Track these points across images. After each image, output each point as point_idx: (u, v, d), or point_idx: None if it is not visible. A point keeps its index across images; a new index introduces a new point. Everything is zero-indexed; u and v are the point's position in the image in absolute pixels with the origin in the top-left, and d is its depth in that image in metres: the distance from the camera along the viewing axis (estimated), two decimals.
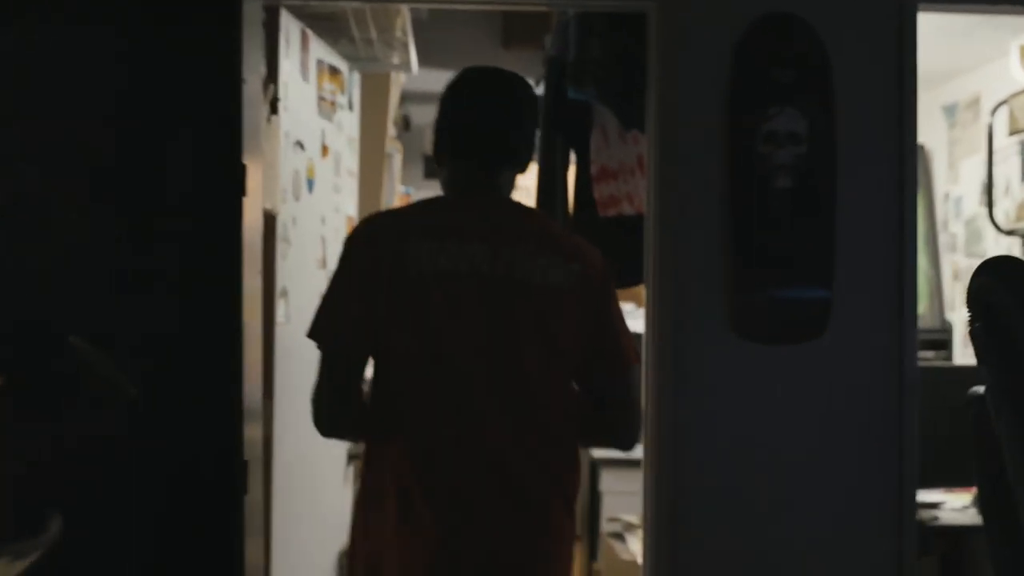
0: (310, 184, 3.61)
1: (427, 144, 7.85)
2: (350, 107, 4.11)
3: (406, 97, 7.53)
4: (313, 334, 2.07)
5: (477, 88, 2.20)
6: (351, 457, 3.93)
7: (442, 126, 2.17)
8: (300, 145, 3.51)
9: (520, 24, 5.79)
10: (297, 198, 3.48)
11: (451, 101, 2.20)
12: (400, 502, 2.02)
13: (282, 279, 3.32)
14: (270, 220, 3.18)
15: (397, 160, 4.77)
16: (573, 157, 3.31)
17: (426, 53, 6.72)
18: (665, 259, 2.62)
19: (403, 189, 6.20)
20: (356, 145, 4.20)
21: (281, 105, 3.31)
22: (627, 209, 3.14)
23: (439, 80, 2.34)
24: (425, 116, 7.78)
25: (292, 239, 3.43)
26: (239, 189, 2.48)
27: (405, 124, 7.48)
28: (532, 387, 2.07)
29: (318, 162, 3.70)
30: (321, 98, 3.71)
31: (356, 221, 4.16)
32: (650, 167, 2.68)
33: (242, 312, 2.48)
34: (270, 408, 3.13)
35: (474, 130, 2.16)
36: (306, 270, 3.55)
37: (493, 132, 2.16)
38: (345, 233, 3.80)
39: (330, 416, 2.08)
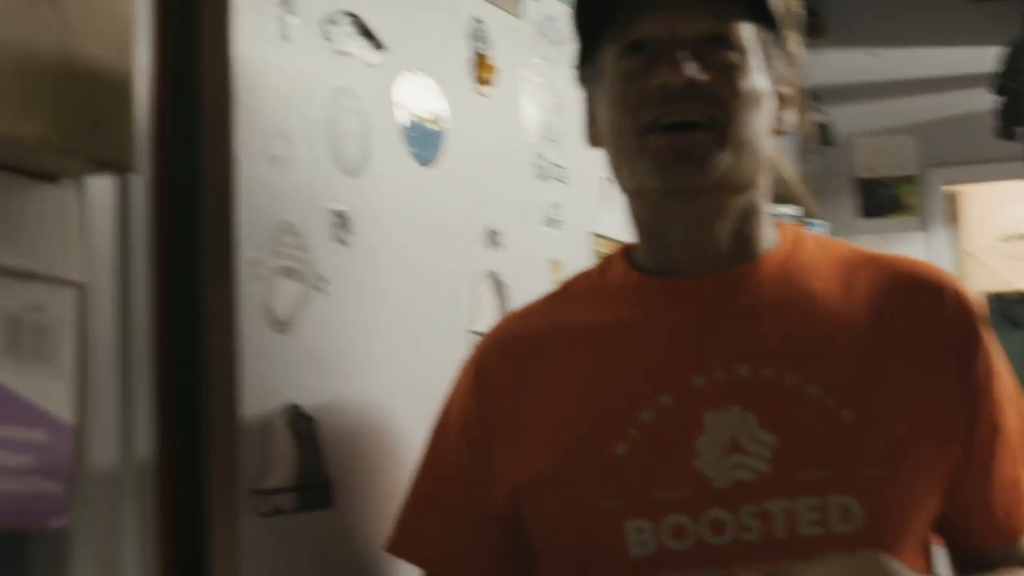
0: None
1: (858, 165, 5.10)
2: None
3: (821, 93, 4.86)
4: None
5: None
6: None
7: None
8: None
9: None
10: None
11: None
12: None
13: None
14: None
15: None
16: None
17: (869, 22, 4.98)
18: None
19: (819, 227, 4.04)
20: None
21: None
22: None
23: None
24: (854, 120, 5.07)
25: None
26: None
27: (823, 136, 4.85)
28: None
29: None
30: None
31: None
32: None
33: None
34: None
35: None
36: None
37: None
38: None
39: None
